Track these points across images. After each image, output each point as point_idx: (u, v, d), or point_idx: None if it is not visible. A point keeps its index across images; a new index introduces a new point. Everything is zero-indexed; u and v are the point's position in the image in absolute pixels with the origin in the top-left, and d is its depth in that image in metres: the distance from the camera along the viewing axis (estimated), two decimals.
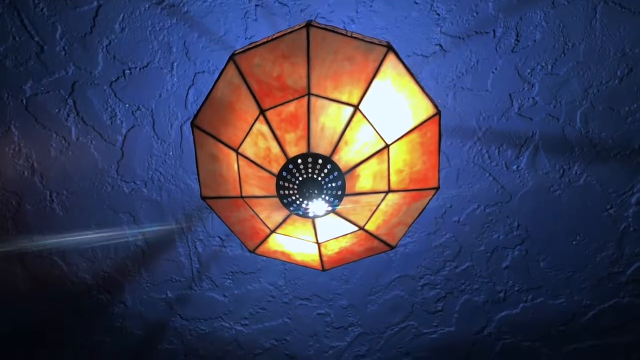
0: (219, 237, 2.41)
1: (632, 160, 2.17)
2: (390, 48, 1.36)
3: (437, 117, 1.46)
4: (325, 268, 1.71)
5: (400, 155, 1.48)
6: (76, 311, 2.61)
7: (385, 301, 2.58)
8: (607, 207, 2.28)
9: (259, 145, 1.45)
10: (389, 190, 1.51)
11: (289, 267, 2.50)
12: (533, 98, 2.08)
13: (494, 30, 1.96)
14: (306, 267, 1.75)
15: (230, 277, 2.52)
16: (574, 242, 2.37)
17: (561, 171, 2.21)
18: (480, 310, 2.57)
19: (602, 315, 2.52)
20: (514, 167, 2.21)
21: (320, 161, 1.43)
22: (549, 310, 2.53)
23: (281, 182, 1.48)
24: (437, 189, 1.55)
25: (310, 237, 1.61)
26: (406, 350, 2.69)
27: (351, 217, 1.56)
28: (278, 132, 1.41)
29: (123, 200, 2.34)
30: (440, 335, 2.64)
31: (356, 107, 1.39)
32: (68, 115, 2.15)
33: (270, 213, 1.58)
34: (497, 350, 2.67)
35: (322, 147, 1.42)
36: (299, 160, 1.44)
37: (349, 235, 1.62)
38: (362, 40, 1.35)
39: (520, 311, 2.55)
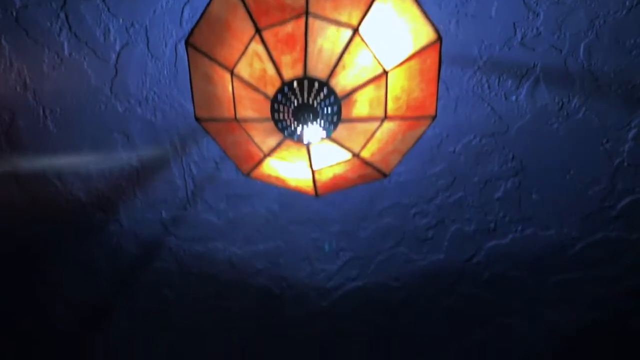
0: (213, 159, 2.40)
1: (633, 95, 2.15)
2: None
3: (437, 44, 1.42)
4: (319, 194, 1.71)
5: (398, 82, 1.46)
6: (72, 229, 2.64)
7: (377, 228, 2.61)
8: (603, 142, 2.27)
9: (254, 67, 1.42)
10: (386, 117, 1.49)
11: (283, 192, 2.51)
12: (537, 28, 2.03)
13: None
14: (300, 192, 1.76)
15: (224, 199, 2.54)
16: (567, 176, 2.38)
17: (560, 104, 2.19)
18: (470, 239, 2.61)
19: (590, 248, 2.56)
20: (513, 98, 2.19)
21: (316, 85, 1.41)
22: (538, 242, 2.57)
23: (276, 106, 1.46)
24: (434, 117, 1.53)
25: (305, 162, 1.61)
26: (395, 276, 2.75)
27: (346, 144, 1.55)
28: (274, 53, 1.38)
29: (117, 120, 2.32)
30: (429, 263, 2.70)
31: (355, 30, 1.35)
32: (60, 30, 2.10)
33: (264, 137, 1.57)
34: (485, 279, 2.73)
35: (319, 70, 1.40)
36: (295, 84, 1.42)
37: (343, 162, 1.61)
38: None
39: (510, 241, 2.59)
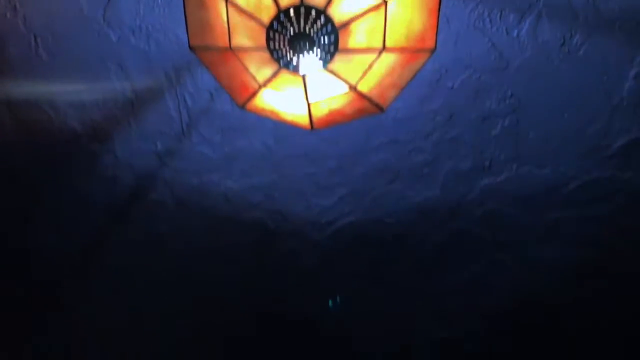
0: (208, 91, 2.37)
1: (638, 33, 2.10)
2: None
3: None
4: (315, 127, 1.70)
5: (398, 12, 1.42)
6: (66, 159, 2.63)
7: (373, 164, 2.61)
8: (603, 80, 2.24)
9: None
10: (384, 49, 1.46)
11: (279, 126, 2.49)
12: None
13: None
14: (295, 126, 1.74)
15: (219, 132, 2.52)
16: (565, 114, 2.36)
17: (562, 40, 2.14)
18: (465, 176, 2.61)
19: (585, 186, 2.57)
20: (515, 34, 2.14)
21: (313, 13, 1.37)
22: (533, 180, 2.58)
23: (271, 34, 1.43)
24: (433, 50, 1.50)
25: (301, 94, 1.59)
26: (390, 212, 2.77)
27: (343, 75, 1.53)
28: None
29: (110, 49, 2.27)
30: (424, 199, 2.71)
31: None
32: None
33: (259, 67, 1.54)
34: (479, 216, 2.75)
35: None
36: (291, 12, 1.38)
37: (340, 96, 1.59)
38: None
39: (505, 179, 2.59)
